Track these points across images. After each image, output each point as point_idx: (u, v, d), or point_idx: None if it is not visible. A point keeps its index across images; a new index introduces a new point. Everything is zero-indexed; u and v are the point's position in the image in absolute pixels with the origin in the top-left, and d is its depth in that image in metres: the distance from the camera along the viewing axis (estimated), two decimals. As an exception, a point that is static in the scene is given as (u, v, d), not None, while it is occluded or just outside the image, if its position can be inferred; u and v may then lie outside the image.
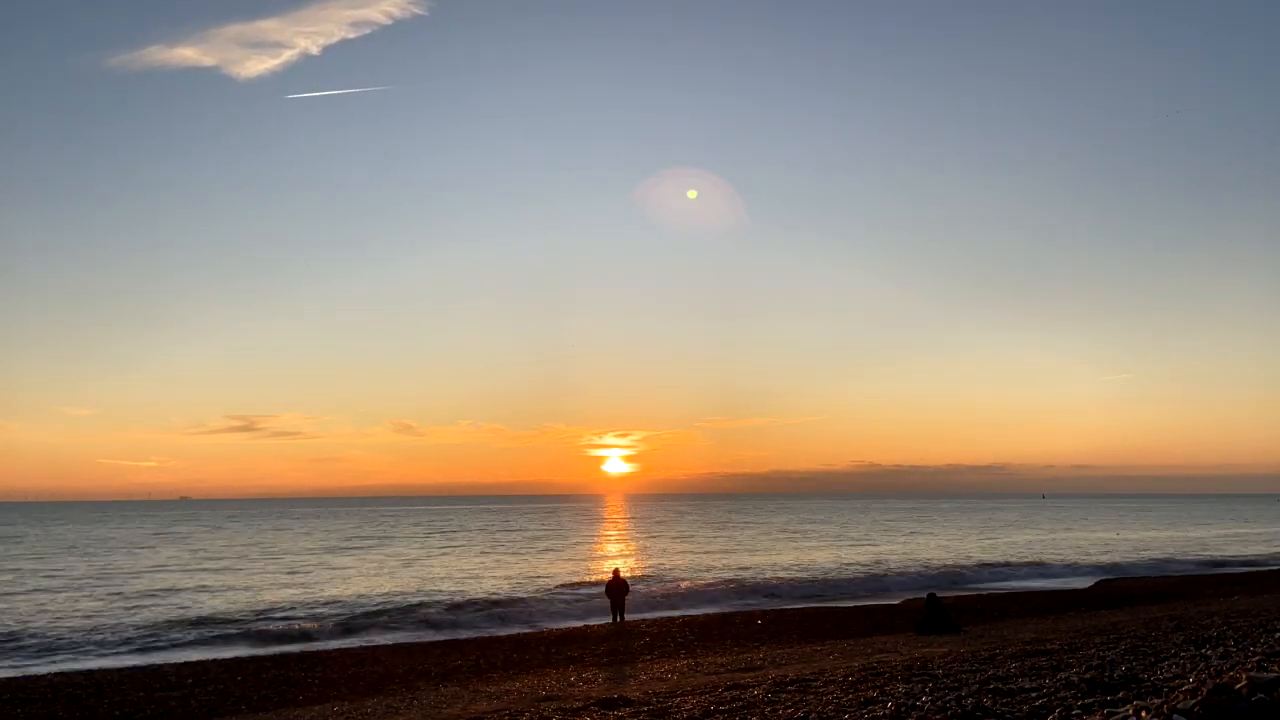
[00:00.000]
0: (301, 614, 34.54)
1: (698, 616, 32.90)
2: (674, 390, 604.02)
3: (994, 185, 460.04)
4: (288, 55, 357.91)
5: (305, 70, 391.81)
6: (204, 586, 45.01)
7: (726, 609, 35.33)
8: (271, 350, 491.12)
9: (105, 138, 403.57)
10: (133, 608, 36.86)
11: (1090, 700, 9.90)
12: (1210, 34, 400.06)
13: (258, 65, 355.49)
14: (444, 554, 66.42)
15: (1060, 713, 9.23)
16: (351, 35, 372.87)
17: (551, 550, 70.90)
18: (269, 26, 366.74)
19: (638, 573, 48.97)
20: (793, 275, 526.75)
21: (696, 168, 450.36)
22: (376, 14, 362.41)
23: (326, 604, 37.43)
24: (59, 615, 34.78)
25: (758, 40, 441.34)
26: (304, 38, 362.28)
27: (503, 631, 30.57)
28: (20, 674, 23.90)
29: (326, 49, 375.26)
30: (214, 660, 25.43)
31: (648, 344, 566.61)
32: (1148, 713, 8.01)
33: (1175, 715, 7.68)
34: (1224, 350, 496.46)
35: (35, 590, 44.05)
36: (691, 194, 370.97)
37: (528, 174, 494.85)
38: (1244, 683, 7.96)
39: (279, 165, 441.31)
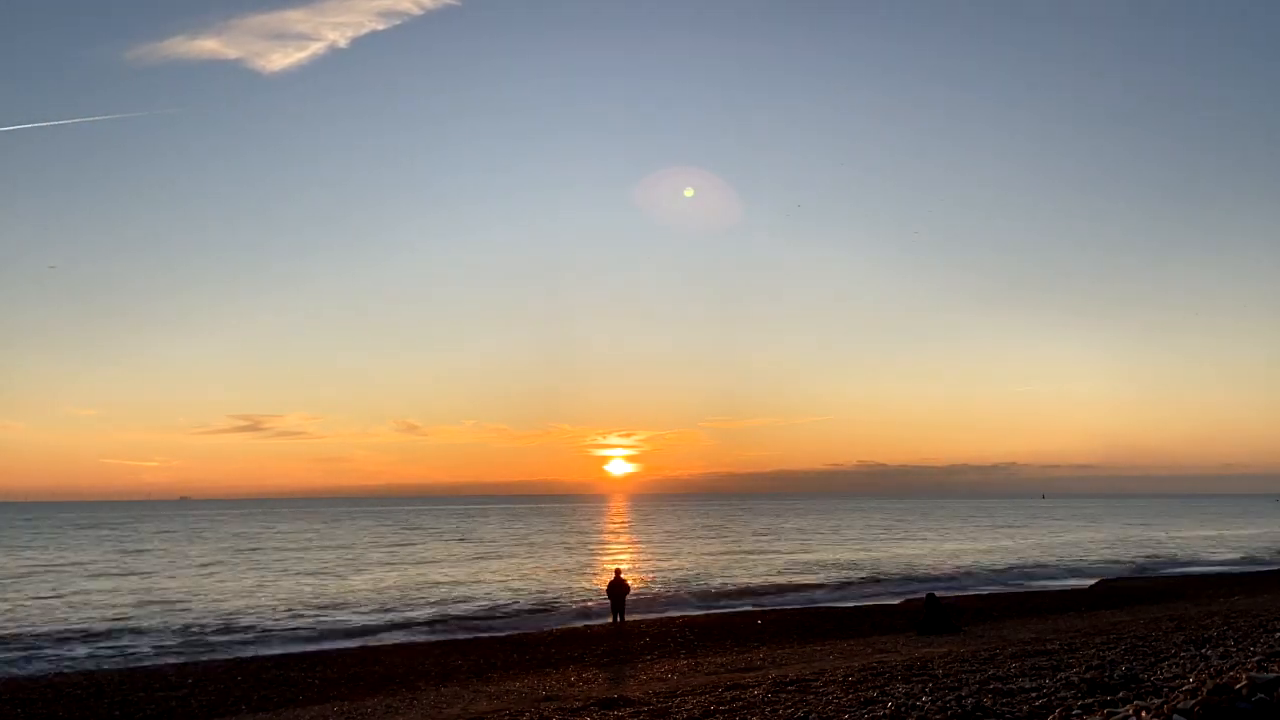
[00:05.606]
0: (306, 616, 34.55)
1: (698, 616, 32.89)
2: (677, 390, 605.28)
3: (999, 182, 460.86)
4: (315, 48, 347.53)
5: (333, 64, 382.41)
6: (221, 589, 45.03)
7: (726, 609, 35.30)
8: (276, 350, 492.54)
9: (116, 134, 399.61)
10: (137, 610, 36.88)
11: (1090, 700, 9.88)
12: (1212, 36, 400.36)
13: (283, 58, 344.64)
14: (445, 554, 66.43)
15: (1060, 713, 9.22)
16: (381, 26, 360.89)
17: (553, 550, 70.89)
18: (295, 17, 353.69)
19: (639, 573, 48.94)
20: (796, 273, 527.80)
21: (698, 166, 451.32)
22: (408, 3, 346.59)
23: (331, 604, 37.45)
24: (63, 617, 34.81)
25: (757, 38, 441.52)
26: (331, 29, 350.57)
27: (503, 631, 30.56)
28: (20, 674, 23.88)
29: (355, 41, 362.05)
30: (214, 660, 25.44)
31: (651, 344, 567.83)
32: (1148, 713, 7.99)
33: (1175, 715, 7.66)
34: (1228, 351, 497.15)
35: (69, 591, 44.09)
36: (688, 192, 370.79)
37: (531, 172, 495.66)
38: (1244, 683, 7.94)
39: (284, 163, 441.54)
